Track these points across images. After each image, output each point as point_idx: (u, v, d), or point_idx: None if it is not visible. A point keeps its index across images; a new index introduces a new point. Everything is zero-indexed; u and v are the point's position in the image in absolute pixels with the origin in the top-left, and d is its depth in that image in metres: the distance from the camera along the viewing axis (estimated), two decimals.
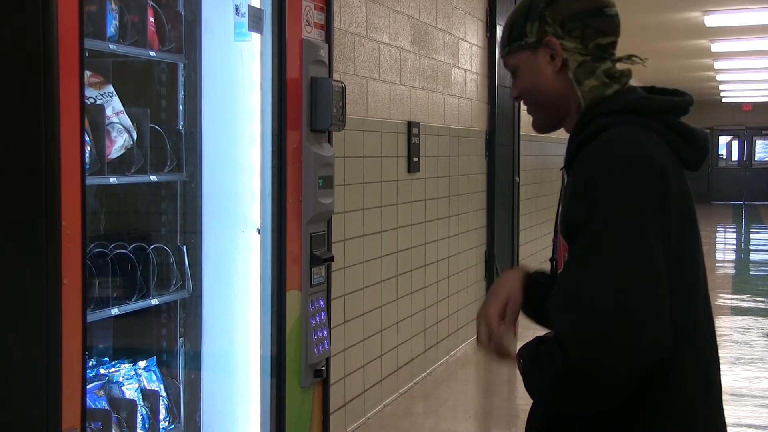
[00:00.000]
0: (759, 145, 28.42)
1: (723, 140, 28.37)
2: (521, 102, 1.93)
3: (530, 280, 1.92)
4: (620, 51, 1.89)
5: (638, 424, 1.70)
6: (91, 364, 3.17)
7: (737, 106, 27.03)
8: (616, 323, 1.59)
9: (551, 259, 1.92)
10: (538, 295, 1.85)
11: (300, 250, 3.39)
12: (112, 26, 3.04)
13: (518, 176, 8.65)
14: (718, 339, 1.87)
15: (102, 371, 3.23)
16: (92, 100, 3.04)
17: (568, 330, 1.64)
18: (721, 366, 1.86)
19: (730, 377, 6.35)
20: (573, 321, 1.63)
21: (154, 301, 3.25)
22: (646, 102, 1.79)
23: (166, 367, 3.49)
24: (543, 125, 1.94)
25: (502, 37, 1.93)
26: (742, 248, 16.51)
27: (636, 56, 1.88)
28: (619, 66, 1.86)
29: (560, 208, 1.81)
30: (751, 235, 18.86)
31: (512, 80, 1.93)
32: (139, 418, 3.18)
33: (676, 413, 1.72)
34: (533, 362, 1.72)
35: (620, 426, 1.71)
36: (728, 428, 1.85)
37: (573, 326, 1.63)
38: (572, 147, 1.81)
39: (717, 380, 1.83)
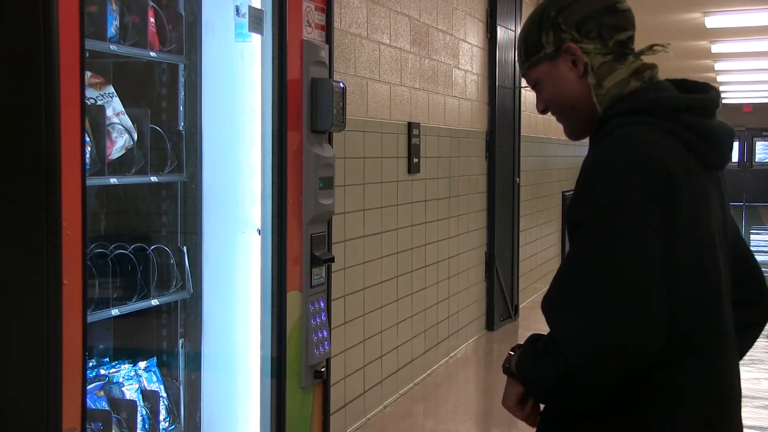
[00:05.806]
0: (759, 146, 28.43)
1: None
2: (550, 113, 1.91)
3: None
4: None
5: (641, 423, 1.70)
6: (91, 364, 3.17)
7: (737, 108, 27.03)
8: (607, 322, 1.60)
9: None
10: None
11: (300, 250, 3.39)
12: (112, 27, 3.04)
13: (518, 177, 8.65)
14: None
15: (102, 372, 3.23)
16: (93, 101, 3.04)
17: (561, 330, 1.65)
18: None
19: None
20: (565, 321, 1.65)
21: (155, 302, 3.25)
22: (656, 103, 1.77)
23: (166, 368, 3.48)
24: (574, 131, 1.92)
25: (519, 55, 1.91)
26: None
27: (658, 44, 1.86)
28: (645, 59, 1.84)
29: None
30: (752, 236, 18.85)
31: (536, 95, 1.91)
32: (139, 418, 3.18)
33: (679, 412, 1.71)
34: (533, 362, 1.73)
35: (624, 425, 1.71)
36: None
37: (566, 326, 1.65)
38: (590, 147, 1.83)
39: (726, 380, 1.80)
